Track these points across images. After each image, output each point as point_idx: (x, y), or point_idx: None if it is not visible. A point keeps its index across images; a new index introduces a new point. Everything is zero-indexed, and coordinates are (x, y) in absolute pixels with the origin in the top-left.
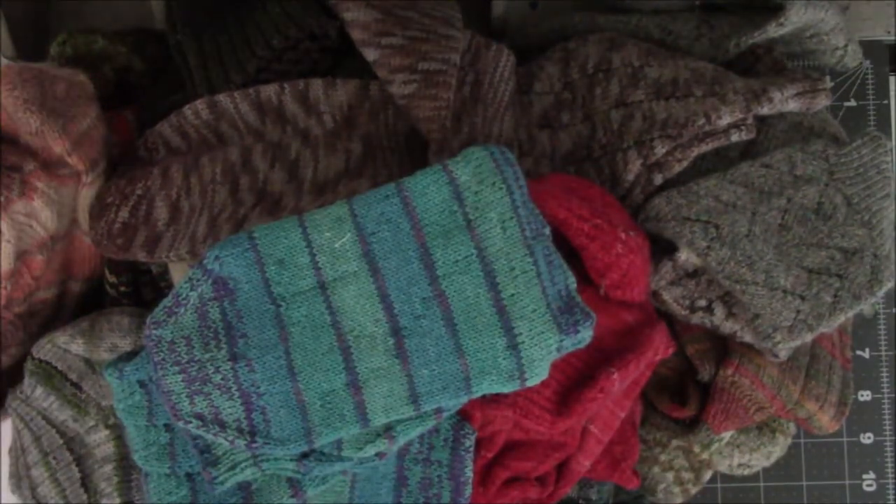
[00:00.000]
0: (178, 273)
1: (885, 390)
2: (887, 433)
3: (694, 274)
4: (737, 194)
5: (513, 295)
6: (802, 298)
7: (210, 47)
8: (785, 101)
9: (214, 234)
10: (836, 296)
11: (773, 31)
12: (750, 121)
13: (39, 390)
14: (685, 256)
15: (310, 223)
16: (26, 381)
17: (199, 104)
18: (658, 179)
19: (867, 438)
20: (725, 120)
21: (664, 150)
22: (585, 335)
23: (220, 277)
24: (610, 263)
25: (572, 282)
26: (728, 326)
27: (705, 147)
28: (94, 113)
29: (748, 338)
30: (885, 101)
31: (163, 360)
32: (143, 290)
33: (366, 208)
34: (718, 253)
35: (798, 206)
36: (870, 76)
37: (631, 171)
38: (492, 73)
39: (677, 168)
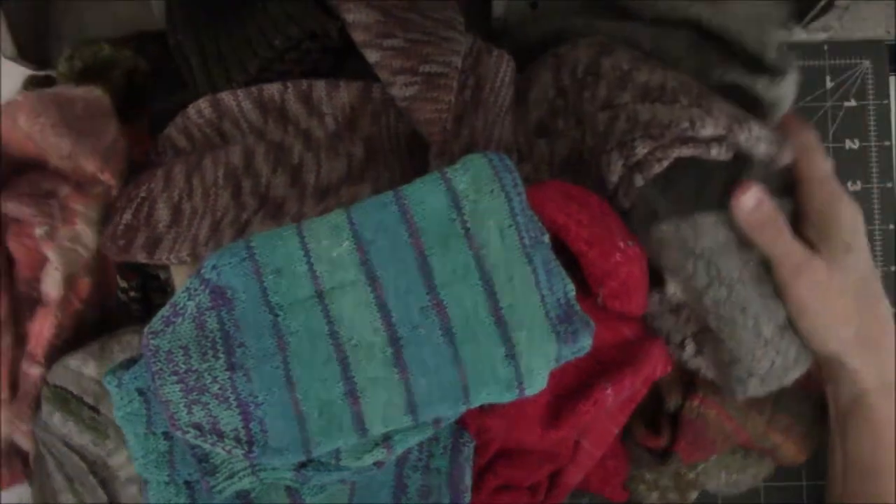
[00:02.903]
0: (180, 277)
1: None
2: None
3: (676, 309)
4: (728, 237)
5: (511, 304)
6: (777, 351)
7: (211, 48)
8: (758, 139)
9: (216, 238)
10: (797, 353)
11: (761, 88)
12: (730, 141)
13: (57, 416)
14: (672, 290)
15: (308, 232)
16: (43, 407)
17: (202, 102)
18: (638, 180)
19: None
20: (708, 130)
21: (645, 151)
22: (584, 344)
23: (218, 287)
24: (608, 271)
25: (571, 289)
26: (695, 363)
27: (686, 151)
28: (114, 126)
29: (711, 375)
30: (885, 101)
31: (160, 369)
32: (153, 295)
33: (364, 216)
34: (717, 293)
35: None
36: (870, 76)
37: (614, 172)
38: (493, 77)
39: (657, 168)
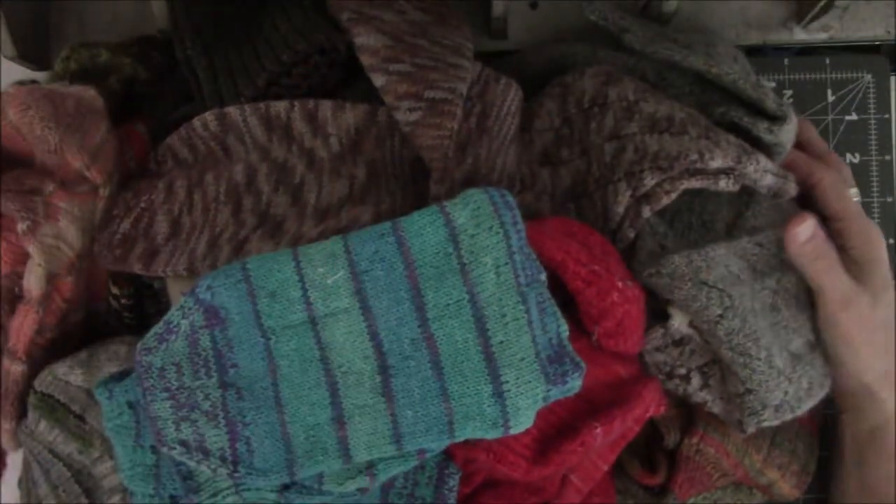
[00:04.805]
0: (175, 289)
1: None
2: None
3: (679, 342)
4: (739, 267)
5: (502, 342)
6: (789, 381)
7: (220, 62)
8: (764, 172)
9: (214, 254)
10: (810, 383)
11: (762, 130)
12: (738, 173)
13: (43, 424)
14: (677, 324)
15: (304, 258)
16: (30, 415)
17: (209, 116)
18: (646, 212)
19: None
20: (717, 162)
21: (653, 182)
22: (574, 385)
23: (212, 307)
24: (604, 310)
25: (564, 330)
26: (700, 396)
27: (695, 183)
28: (105, 126)
29: (717, 409)
30: (886, 116)
31: (152, 385)
32: (146, 303)
33: (361, 246)
34: (730, 323)
35: (784, 290)
36: (871, 90)
37: (621, 203)
38: (499, 106)
39: (665, 200)
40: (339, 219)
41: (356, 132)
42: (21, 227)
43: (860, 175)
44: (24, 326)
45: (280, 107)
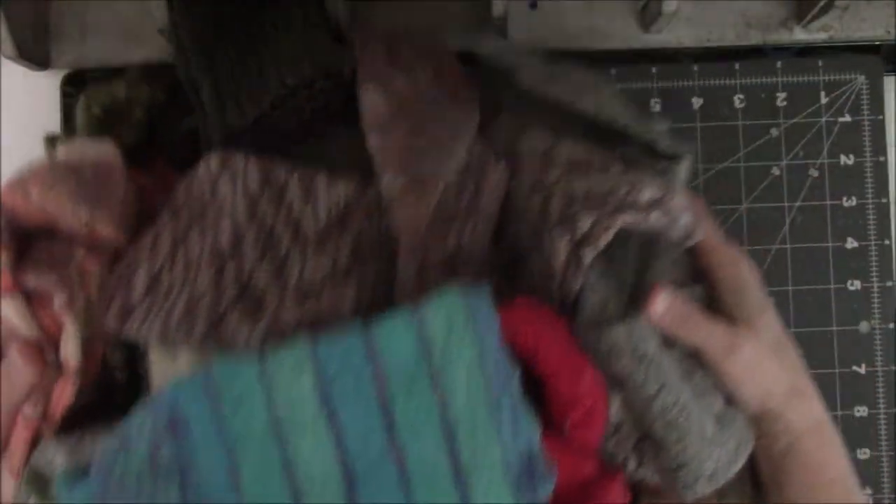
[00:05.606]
0: (159, 373)
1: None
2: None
3: (617, 429)
4: (657, 338)
5: (471, 455)
6: (719, 446)
7: (224, 82)
8: (683, 208)
9: (189, 323)
10: (737, 443)
11: (661, 169)
12: (665, 206)
13: (33, 500)
14: (614, 409)
15: (269, 364)
16: (21, 489)
17: (213, 159)
18: (587, 255)
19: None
20: (647, 194)
21: (590, 221)
22: (543, 494)
23: (174, 416)
24: (575, 399)
25: (536, 437)
26: (639, 474)
27: (628, 218)
28: (124, 184)
29: (657, 479)
30: (880, 117)
31: (111, 496)
32: (138, 363)
33: (328, 351)
34: (666, 398)
35: (688, 354)
36: (864, 92)
37: (559, 250)
38: (490, 188)
39: (604, 239)
40: (321, 301)
41: (345, 206)
42: (59, 300)
43: (854, 177)
44: (62, 398)
45: (281, 169)
